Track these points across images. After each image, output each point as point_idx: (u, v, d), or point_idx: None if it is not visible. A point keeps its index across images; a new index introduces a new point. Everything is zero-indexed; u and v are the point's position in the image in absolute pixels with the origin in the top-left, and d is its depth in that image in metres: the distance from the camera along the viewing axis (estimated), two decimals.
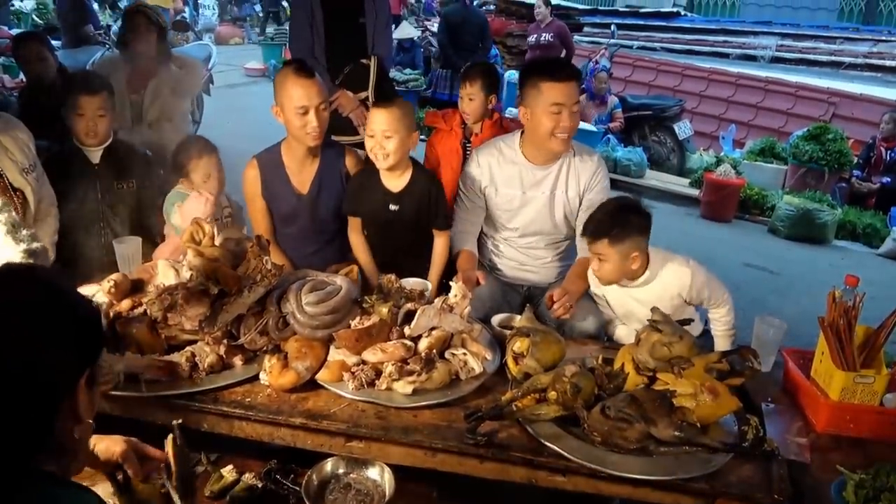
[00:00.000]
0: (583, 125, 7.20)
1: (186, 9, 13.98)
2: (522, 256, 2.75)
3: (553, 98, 2.41)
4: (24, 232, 2.11)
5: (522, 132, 2.64)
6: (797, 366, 2.04)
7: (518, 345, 1.94)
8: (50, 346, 0.89)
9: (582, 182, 2.61)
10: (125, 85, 3.62)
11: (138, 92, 3.64)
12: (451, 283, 2.12)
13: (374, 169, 2.58)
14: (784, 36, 9.62)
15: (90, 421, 0.97)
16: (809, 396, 1.94)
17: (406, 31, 10.04)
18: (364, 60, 3.50)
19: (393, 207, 2.60)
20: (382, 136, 2.45)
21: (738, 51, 9.66)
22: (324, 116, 2.51)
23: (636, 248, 2.19)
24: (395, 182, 2.59)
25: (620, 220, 2.19)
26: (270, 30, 13.14)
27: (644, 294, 2.26)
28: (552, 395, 1.73)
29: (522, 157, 2.61)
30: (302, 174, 2.66)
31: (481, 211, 2.72)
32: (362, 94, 3.48)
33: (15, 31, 8.40)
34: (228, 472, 1.80)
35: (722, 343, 2.30)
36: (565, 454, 1.65)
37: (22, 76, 6.25)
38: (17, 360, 0.86)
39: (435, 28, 10.05)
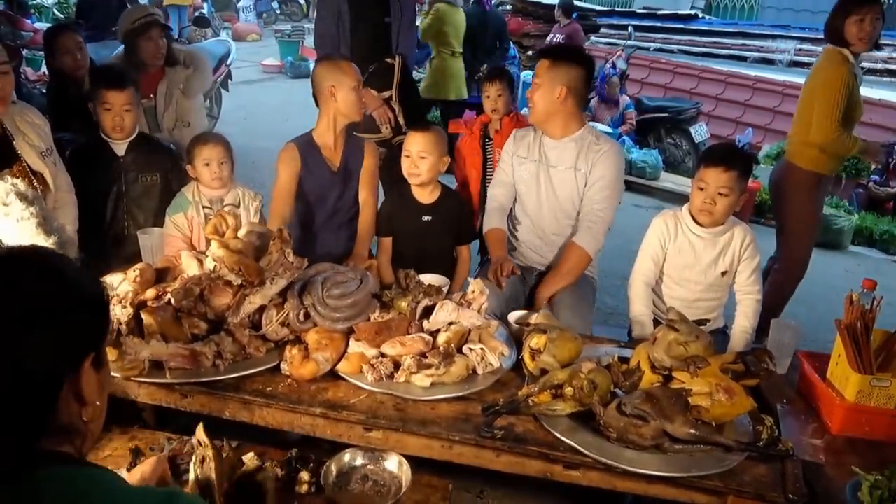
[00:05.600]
0: (597, 125, 7.21)
1: (205, 5, 14.06)
2: (538, 241, 2.85)
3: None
4: (56, 224, 2.16)
5: None
6: (813, 368, 2.05)
7: (535, 341, 1.96)
8: (45, 328, 0.87)
9: (590, 162, 2.69)
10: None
11: (149, 96, 3.61)
12: (469, 279, 2.15)
13: (403, 191, 2.82)
14: (802, 40, 9.52)
15: (98, 403, 0.96)
16: (825, 398, 1.95)
17: None
18: (388, 59, 3.54)
19: (426, 218, 2.80)
20: (418, 156, 2.67)
21: (756, 54, 9.59)
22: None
23: (744, 189, 2.37)
24: (427, 197, 2.80)
25: (745, 158, 2.41)
26: (287, 27, 13.21)
27: (710, 248, 2.42)
28: (569, 391, 1.76)
29: (541, 132, 2.77)
30: (333, 153, 2.82)
31: (512, 188, 2.85)
32: (386, 93, 3.51)
33: (38, 25, 8.47)
34: (250, 460, 1.84)
35: (742, 330, 2.42)
36: (581, 449, 1.67)
37: (44, 69, 6.32)
38: (10, 340, 0.85)
39: None
